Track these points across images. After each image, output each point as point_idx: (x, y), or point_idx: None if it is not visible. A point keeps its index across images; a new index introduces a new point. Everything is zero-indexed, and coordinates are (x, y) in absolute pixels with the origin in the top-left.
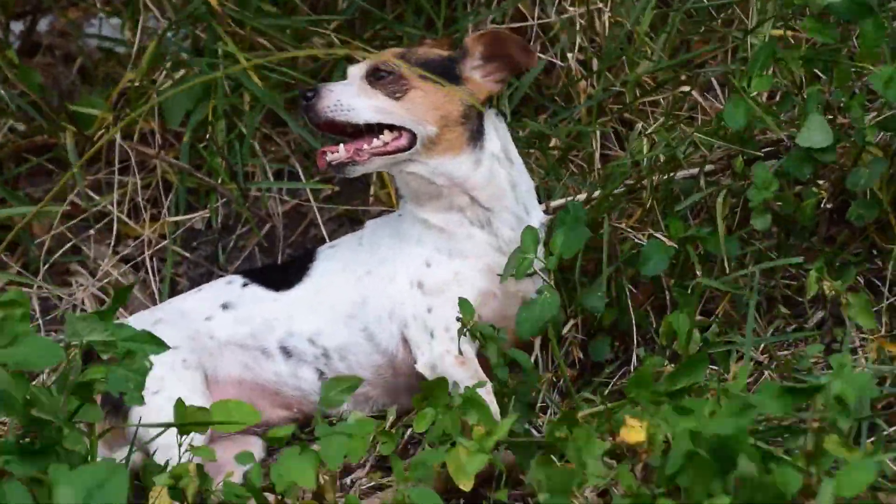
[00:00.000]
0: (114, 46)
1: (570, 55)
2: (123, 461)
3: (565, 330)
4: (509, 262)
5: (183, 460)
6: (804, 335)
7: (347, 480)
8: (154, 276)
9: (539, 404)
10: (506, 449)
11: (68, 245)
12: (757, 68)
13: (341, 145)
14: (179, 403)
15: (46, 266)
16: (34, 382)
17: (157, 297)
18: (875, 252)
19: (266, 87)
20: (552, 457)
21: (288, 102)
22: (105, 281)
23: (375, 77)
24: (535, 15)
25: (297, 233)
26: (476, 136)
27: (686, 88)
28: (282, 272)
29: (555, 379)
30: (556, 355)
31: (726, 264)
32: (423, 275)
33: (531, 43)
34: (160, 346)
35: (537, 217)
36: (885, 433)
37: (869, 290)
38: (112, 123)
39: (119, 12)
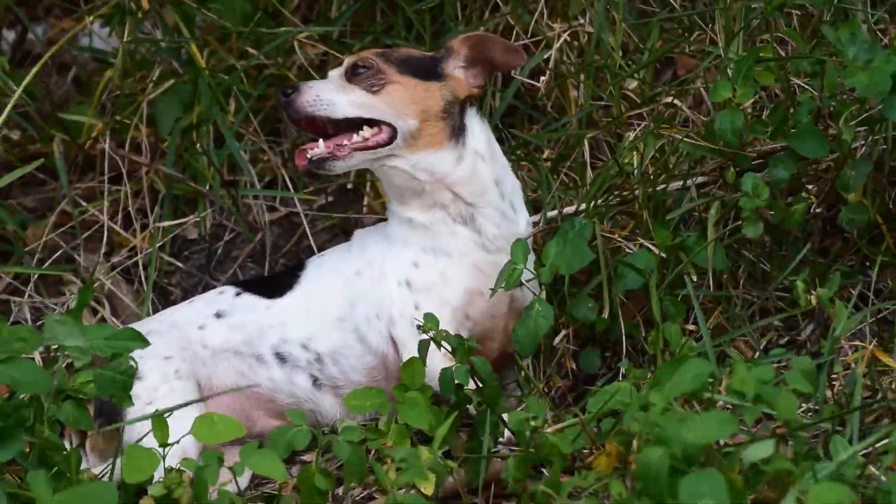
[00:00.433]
0: (106, 57)
1: (550, 70)
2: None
3: (556, 340)
4: (500, 276)
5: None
6: (781, 355)
7: (339, 491)
8: (146, 284)
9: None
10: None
11: (59, 253)
12: (740, 77)
13: (321, 141)
14: (160, 419)
15: (37, 275)
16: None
17: (148, 305)
18: (867, 264)
19: (254, 90)
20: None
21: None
22: (96, 289)
23: (353, 73)
24: (523, 28)
25: (290, 243)
26: (458, 132)
27: (672, 101)
28: (273, 281)
29: (547, 389)
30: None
31: (710, 274)
32: (411, 274)
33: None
34: (142, 342)
35: (524, 218)
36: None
37: (861, 301)
38: (102, 132)
39: (110, 20)
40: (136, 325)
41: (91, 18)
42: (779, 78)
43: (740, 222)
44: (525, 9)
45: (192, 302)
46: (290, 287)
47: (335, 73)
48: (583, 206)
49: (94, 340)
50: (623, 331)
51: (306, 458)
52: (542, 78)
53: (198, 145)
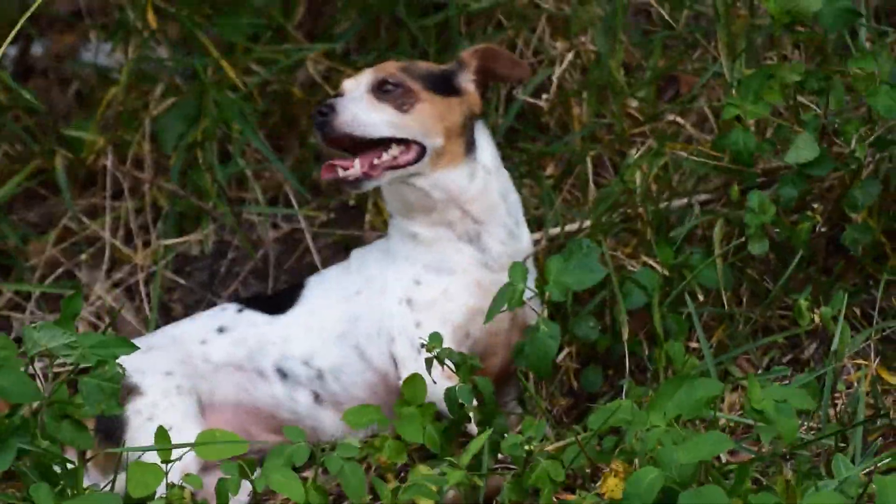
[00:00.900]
0: (108, 72)
1: (553, 89)
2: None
3: (560, 358)
4: (495, 300)
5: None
6: (783, 371)
7: None
8: (149, 301)
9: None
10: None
11: (61, 270)
12: (750, 96)
13: (357, 161)
14: (162, 432)
15: (40, 292)
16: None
17: (150, 322)
18: (870, 283)
19: (259, 109)
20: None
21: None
22: (98, 306)
23: (382, 90)
24: (530, 46)
25: (291, 259)
26: (470, 147)
27: (676, 118)
28: (274, 299)
29: (549, 407)
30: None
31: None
32: (412, 292)
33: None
34: (129, 347)
35: (526, 234)
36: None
37: (865, 321)
38: (104, 148)
39: (112, 35)
40: (137, 341)
41: (95, 35)
42: (786, 96)
43: (743, 239)
44: (528, 26)
45: (193, 318)
46: (291, 304)
47: (359, 89)
48: (586, 223)
49: (82, 348)
50: (626, 349)
51: (306, 474)
52: (545, 96)
53: (200, 161)
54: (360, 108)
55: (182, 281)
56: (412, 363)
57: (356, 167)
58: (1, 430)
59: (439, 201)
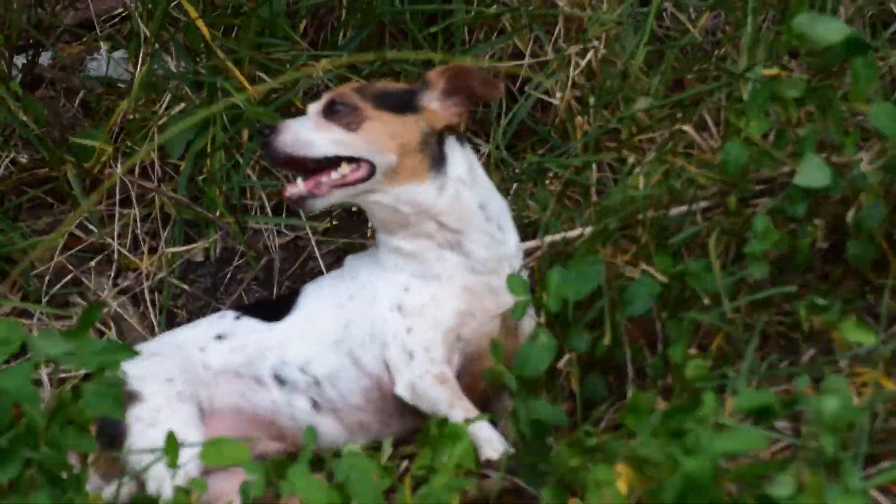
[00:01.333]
0: (115, 82)
1: (561, 93)
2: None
3: (561, 363)
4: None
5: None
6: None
7: None
8: (154, 308)
9: None
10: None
11: (68, 277)
12: (755, 110)
13: (299, 179)
14: (170, 437)
15: (47, 298)
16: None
17: (156, 329)
18: (868, 289)
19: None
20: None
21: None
22: (104, 313)
23: (331, 111)
24: (532, 51)
25: (295, 265)
26: (438, 162)
27: (682, 126)
28: (271, 306)
29: None
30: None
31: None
32: (402, 299)
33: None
34: (130, 353)
35: (513, 238)
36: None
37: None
38: (112, 156)
39: (121, 46)
40: (139, 348)
41: (103, 46)
42: (791, 112)
43: (743, 248)
44: (540, 30)
45: (192, 325)
46: (287, 312)
47: (313, 110)
48: (587, 229)
49: (84, 354)
50: (628, 355)
51: None
52: (559, 95)
53: (205, 170)
54: (303, 127)
55: (186, 287)
56: (405, 368)
57: (299, 186)
58: (7, 439)
59: (410, 215)
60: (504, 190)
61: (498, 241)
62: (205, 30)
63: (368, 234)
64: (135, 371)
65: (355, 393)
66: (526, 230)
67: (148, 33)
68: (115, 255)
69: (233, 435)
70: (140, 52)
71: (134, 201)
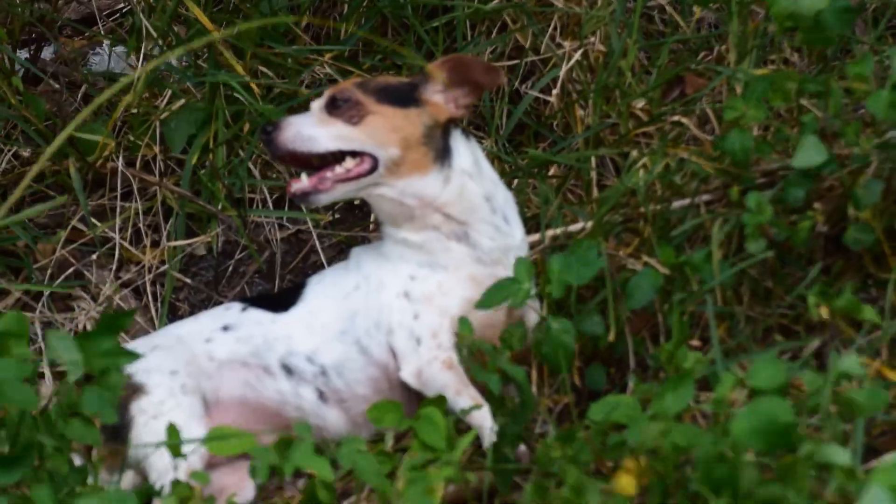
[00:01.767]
0: (117, 77)
1: (558, 88)
2: (123, 485)
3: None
4: (490, 291)
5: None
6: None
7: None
8: (155, 301)
9: (537, 431)
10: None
11: (70, 270)
12: (753, 100)
13: (304, 175)
14: (172, 429)
15: (49, 291)
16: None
17: (156, 322)
18: (870, 283)
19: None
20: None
21: None
22: (106, 306)
23: (333, 106)
24: (533, 46)
25: (297, 259)
26: (443, 154)
27: (680, 119)
28: (277, 298)
29: (552, 404)
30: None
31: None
32: (409, 286)
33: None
34: (131, 357)
35: (518, 229)
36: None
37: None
38: (114, 150)
39: (123, 41)
40: (142, 340)
41: (104, 40)
42: (790, 100)
43: (744, 241)
44: (537, 26)
45: (197, 317)
46: (294, 303)
47: (316, 106)
48: (589, 223)
49: (90, 353)
50: (630, 347)
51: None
52: (555, 92)
53: (208, 163)
54: (305, 123)
55: (188, 280)
56: (412, 355)
57: (303, 181)
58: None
59: (416, 207)
60: (505, 184)
61: (503, 233)
62: (208, 24)
63: (371, 227)
64: (139, 363)
65: (362, 383)
66: (527, 224)
67: (150, 28)
68: (117, 249)
69: (237, 426)
70: (141, 48)
71: (136, 195)
